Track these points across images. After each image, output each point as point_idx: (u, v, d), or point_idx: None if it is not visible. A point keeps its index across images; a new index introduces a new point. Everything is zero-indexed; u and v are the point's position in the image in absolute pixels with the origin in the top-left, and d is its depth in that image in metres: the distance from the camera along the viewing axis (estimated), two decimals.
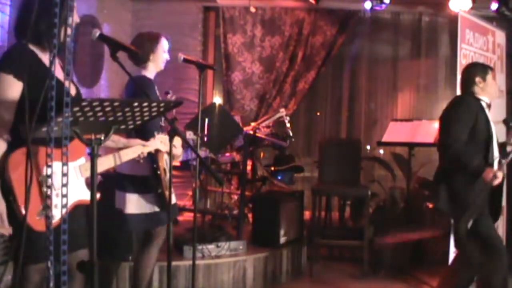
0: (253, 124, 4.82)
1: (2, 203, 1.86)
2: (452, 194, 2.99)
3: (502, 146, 3.13)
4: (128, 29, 5.61)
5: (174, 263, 3.02)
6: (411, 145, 4.59)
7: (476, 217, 2.98)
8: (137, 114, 1.76)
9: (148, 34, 2.94)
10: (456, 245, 3.36)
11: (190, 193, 5.52)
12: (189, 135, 3.14)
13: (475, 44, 4.40)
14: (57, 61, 1.97)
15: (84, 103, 1.57)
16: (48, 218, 1.81)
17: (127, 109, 1.70)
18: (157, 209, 2.79)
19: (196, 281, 3.47)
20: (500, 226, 4.02)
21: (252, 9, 5.74)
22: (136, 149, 2.46)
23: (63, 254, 1.70)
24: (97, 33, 2.15)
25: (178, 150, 2.68)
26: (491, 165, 3.04)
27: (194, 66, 2.92)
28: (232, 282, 3.74)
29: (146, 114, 1.80)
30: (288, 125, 4.87)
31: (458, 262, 3.29)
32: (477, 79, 3.14)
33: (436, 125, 4.56)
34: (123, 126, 1.82)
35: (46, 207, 1.81)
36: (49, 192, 1.81)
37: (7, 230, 1.88)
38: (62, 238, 1.71)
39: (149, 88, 2.78)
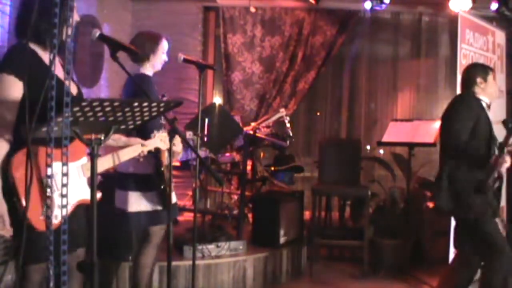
0: (253, 124, 4.82)
1: (4, 204, 1.86)
2: (454, 194, 2.99)
3: (499, 147, 3.14)
4: (128, 29, 5.61)
5: (174, 263, 3.02)
6: (411, 145, 4.59)
7: (479, 216, 2.97)
8: (137, 114, 1.76)
9: (149, 34, 2.94)
10: (456, 245, 3.36)
11: (190, 193, 5.53)
12: (189, 135, 3.14)
13: (475, 44, 4.41)
14: (58, 60, 1.97)
15: (84, 103, 1.57)
16: (48, 218, 1.81)
17: (127, 109, 1.70)
18: (158, 207, 2.79)
19: (196, 281, 3.48)
20: (500, 226, 4.02)
21: (252, 9, 5.75)
22: (136, 148, 2.46)
23: (63, 254, 1.70)
24: (97, 33, 2.15)
25: (178, 147, 2.68)
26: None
27: (194, 66, 2.92)
28: (232, 282, 3.74)
29: (146, 114, 1.80)
30: (288, 125, 4.87)
31: (457, 262, 3.28)
32: (478, 79, 3.14)
33: (436, 125, 4.56)
34: (123, 126, 1.82)
35: (47, 207, 1.81)
36: (49, 192, 1.81)
37: (8, 231, 1.88)
38: (62, 238, 1.71)
39: (148, 85, 2.78)
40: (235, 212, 4.63)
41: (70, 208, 1.99)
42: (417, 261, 4.53)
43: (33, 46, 1.97)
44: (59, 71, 1.90)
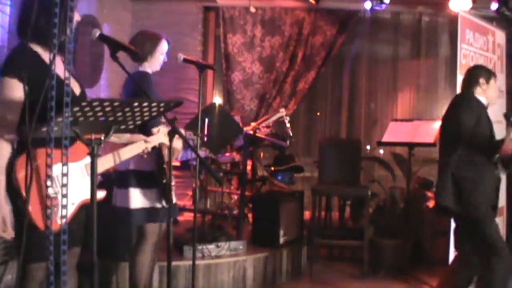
0: (253, 124, 4.82)
1: (6, 207, 1.88)
2: (458, 193, 2.98)
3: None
4: (128, 29, 5.60)
5: (174, 263, 3.02)
6: (411, 145, 4.59)
7: (482, 215, 2.97)
8: (137, 114, 1.77)
9: (149, 34, 2.94)
10: (456, 246, 3.36)
11: (190, 193, 5.53)
12: (189, 135, 3.14)
13: (475, 44, 4.41)
14: (60, 60, 1.98)
15: (84, 103, 1.58)
16: (47, 218, 1.82)
17: (127, 109, 1.70)
18: (157, 205, 2.79)
19: (196, 281, 3.47)
20: (500, 226, 4.02)
21: (252, 9, 5.74)
22: (140, 145, 2.47)
23: (63, 254, 1.70)
24: (97, 33, 2.15)
25: (178, 144, 2.68)
26: (495, 164, 3.04)
27: (194, 66, 2.92)
28: (232, 282, 3.74)
29: (146, 114, 1.80)
30: (288, 125, 4.87)
31: (457, 262, 3.28)
32: (481, 80, 3.15)
33: (436, 125, 4.56)
34: (123, 126, 1.82)
35: (47, 207, 1.81)
36: (48, 192, 1.81)
37: (9, 234, 1.89)
38: (62, 238, 1.71)
39: (147, 83, 2.79)
40: (235, 212, 4.63)
41: (75, 208, 2.00)
42: (417, 261, 4.53)
43: (34, 46, 1.97)
44: (61, 71, 1.90)
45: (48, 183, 1.85)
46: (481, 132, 3.00)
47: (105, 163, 2.23)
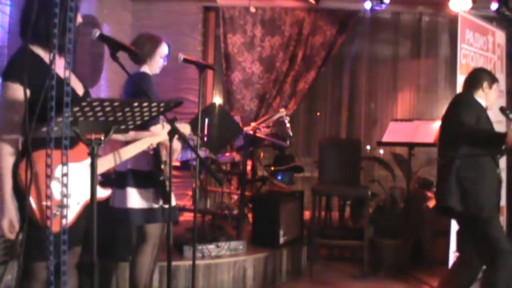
0: (253, 124, 4.82)
1: (13, 209, 1.89)
2: (463, 194, 2.98)
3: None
4: (128, 29, 5.61)
5: (174, 263, 3.02)
6: (411, 145, 4.59)
7: (486, 216, 2.97)
8: (137, 114, 1.77)
9: (149, 36, 2.94)
10: (458, 248, 3.35)
11: (190, 193, 5.53)
12: (189, 135, 3.14)
13: (475, 44, 4.41)
14: (63, 61, 1.99)
15: (84, 103, 1.58)
16: (48, 218, 1.82)
17: (127, 109, 1.70)
18: (154, 205, 2.78)
19: (196, 281, 3.48)
20: None
21: (252, 9, 5.74)
22: (145, 141, 2.48)
23: (63, 254, 1.70)
24: (97, 33, 2.16)
25: (176, 144, 2.69)
26: (497, 163, 3.05)
27: (194, 66, 2.92)
28: (232, 282, 3.74)
29: (146, 114, 1.80)
30: (288, 125, 4.87)
31: (458, 263, 3.27)
32: (485, 84, 3.16)
33: (436, 125, 4.56)
34: (123, 126, 1.82)
35: (47, 207, 1.81)
36: (48, 193, 1.81)
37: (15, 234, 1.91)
38: (62, 238, 1.71)
39: (147, 84, 2.79)
40: (235, 212, 4.63)
41: (80, 207, 2.01)
42: (417, 261, 4.53)
43: (36, 49, 1.98)
44: (63, 72, 1.90)
45: (54, 183, 1.86)
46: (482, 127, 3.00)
47: (106, 163, 2.24)
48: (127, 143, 2.52)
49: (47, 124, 1.68)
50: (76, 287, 2.21)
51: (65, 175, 1.78)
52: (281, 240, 4.13)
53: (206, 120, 3.77)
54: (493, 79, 3.22)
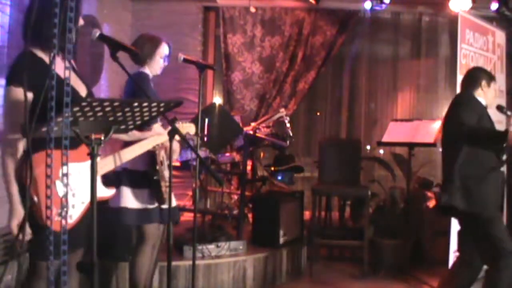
0: (253, 124, 4.82)
1: (21, 210, 1.90)
2: (467, 193, 2.97)
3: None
4: (128, 29, 5.60)
5: (174, 263, 3.02)
6: (411, 145, 4.59)
7: (489, 216, 2.97)
8: (137, 114, 1.77)
9: (149, 37, 2.94)
10: (459, 248, 3.34)
11: (190, 193, 5.53)
12: (189, 135, 3.14)
13: (475, 44, 4.41)
14: (64, 62, 1.99)
15: (84, 103, 1.58)
16: (48, 218, 1.82)
17: (127, 109, 1.70)
18: (150, 206, 2.78)
19: (196, 281, 3.48)
20: None
21: (252, 9, 5.74)
22: (151, 141, 2.49)
23: (63, 254, 1.70)
24: (97, 33, 2.16)
25: (175, 144, 2.69)
26: (502, 162, 3.04)
27: (194, 66, 2.92)
28: (232, 282, 3.74)
29: (146, 114, 1.80)
30: (288, 125, 4.87)
31: (459, 262, 3.27)
32: (483, 82, 3.16)
33: (436, 125, 4.57)
34: (123, 126, 1.82)
35: (48, 207, 1.81)
36: (48, 193, 1.81)
37: (27, 235, 1.92)
38: (62, 238, 1.71)
39: (144, 83, 2.79)
40: (235, 212, 4.63)
41: (84, 207, 2.02)
42: (417, 261, 4.53)
43: (38, 52, 1.99)
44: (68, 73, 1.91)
45: (59, 183, 1.87)
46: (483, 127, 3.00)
47: (108, 163, 2.24)
48: (131, 143, 2.53)
49: (47, 124, 1.69)
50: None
51: (65, 175, 1.78)
52: (281, 240, 4.13)
53: (206, 120, 3.78)
54: (490, 78, 3.22)
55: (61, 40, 1.76)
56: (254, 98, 6.02)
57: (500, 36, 4.78)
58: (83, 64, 4.70)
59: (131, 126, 1.86)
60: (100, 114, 1.64)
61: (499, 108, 3.20)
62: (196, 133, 2.87)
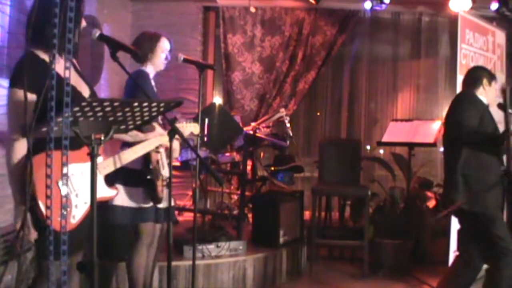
0: (253, 124, 4.82)
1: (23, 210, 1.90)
2: (468, 190, 2.97)
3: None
4: (128, 29, 5.60)
5: (174, 263, 3.01)
6: (411, 145, 4.59)
7: (490, 215, 2.96)
8: (137, 114, 1.77)
9: (148, 34, 2.96)
10: (459, 247, 3.34)
11: (190, 193, 5.53)
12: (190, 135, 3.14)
13: (475, 44, 4.41)
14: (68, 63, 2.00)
15: (84, 103, 1.58)
16: (48, 218, 1.82)
17: (127, 109, 1.70)
18: (144, 205, 2.77)
19: (196, 281, 3.48)
20: None
21: (252, 9, 5.74)
22: (154, 142, 2.49)
23: (63, 254, 1.70)
24: (97, 33, 2.16)
25: (175, 144, 2.68)
26: (502, 162, 3.04)
27: (194, 66, 2.93)
28: (232, 282, 3.74)
29: (146, 114, 1.80)
30: (288, 125, 4.87)
31: (459, 262, 3.27)
32: (485, 81, 3.16)
33: (436, 125, 4.57)
34: (123, 126, 1.82)
35: (48, 207, 1.82)
36: (48, 193, 1.82)
37: (32, 236, 1.94)
38: (62, 238, 1.71)
39: (143, 81, 2.79)
40: (235, 212, 4.63)
41: (87, 207, 2.02)
42: (417, 261, 4.53)
43: (42, 54, 2.00)
44: (72, 74, 1.92)
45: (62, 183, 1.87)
46: (483, 130, 2.99)
47: (107, 167, 2.23)
48: (131, 143, 2.53)
49: (47, 124, 1.69)
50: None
51: (65, 175, 1.78)
52: (281, 240, 4.13)
53: (206, 120, 3.78)
54: (491, 76, 3.22)
55: (62, 40, 1.76)
56: (254, 98, 6.02)
57: (500, 36, 4.79)
58: (83, 64, 4.69)
59: (131, 126, 1.86)
60: (100, 114, 1.64)
61: (500, 105, 3.20)
62: (197, 133, 2.87)
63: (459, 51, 4.21)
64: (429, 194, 4.94)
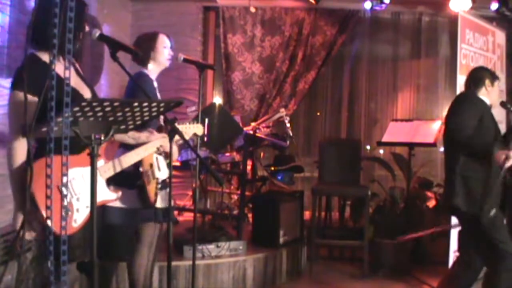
0: (253, 124, 4.82)
1: (21, 216, 1.91)
2: (468, 194, 2.97)
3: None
4: (128, 29, 5.60)
5: (174, 263, 3.01)
6: (411, 145, 4.59)
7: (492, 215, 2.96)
8: (137, 114, 1.77)
9: (145, 34, 2.96)
10: (460, 248, 3.33)
11: (190, 193, 5.53)
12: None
13: (475, 44, 4.41)
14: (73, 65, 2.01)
15: (84, 103, 1.58)
16: (48, 218, 1.82)
17: (127, 109, 1.70)
18: (138, 206, 2.75)
19: (196, 281, 3.48)
20: None
21: (252, 9, 5.74)
22: (155, 144, 2.49)
23: (63, 254, 1.70)
24: (97, 33, 2.16)
25: (173, 147, 2.68)
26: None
27: (194, 66, 2.93)
28: (232, 282, 3.74)
29: (146, 114, 1.80)
30: (288, 125, 4.87)
31: (459, 263, 3.27)
32: (487, 81, 3.15)
33: (436, 125, 4.57)
34: (123, 126, 1.82)
35: (48, 207, 1.81)
36: (48, 193, 1.82)
37: (29, 234, 1.95)
38: (62, 238, 1.71)
39: (144, 83, 2.78)
40: (235, 212, 4.63)
41: (89, 211, 2.01)
42: (417, 261, 4.53)
43: (44, 57, 1.99)
44: (73, 76, 1.93)
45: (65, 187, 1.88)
46: (481, 134, 2.98)
47: (107, 171, 2.22)
48: (130, 146, 2.52)
49: (47, 124, 1.69)
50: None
51: (65, 175, 1.78)
52: (281, 240, 4.13)
53: (206, 120, 3.77)
54: (494, 77, 3.21)
55: (62, 40, 1.76)
56: (254, 98, 6.02)
57: (500, 36, 4.79)
58: (83, 64, 4.70)
59: (131, 126, 1.86)
60: (100, 114, 1.64)
61: (503, 104, 3.20)
62: (201, 134, 2.87)
63: (459, 51, 4.21)
64: (429, 194, 4.94)
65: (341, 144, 5.29)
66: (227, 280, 3.72)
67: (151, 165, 2.66)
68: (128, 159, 2.37)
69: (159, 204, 2.77)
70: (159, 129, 2.74)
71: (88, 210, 2.02)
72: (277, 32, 5.98)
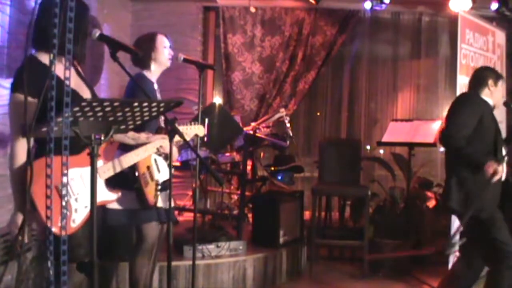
0: (253, 124, 4.82)
1: (20, 216, 1.92)
2: (464, 194, 2.96)
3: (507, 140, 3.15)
4: (128, 29, 5.60)
5: (174, 263, 3.01)
6: (411, 145, 4.59)
7: (488, 217, 2.95)
8: (137, 114, 1.77)
9: (144, 35, 2.96)
10: (460, 249, 3.33)
11: (190, 193, 5.53)
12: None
13: (475, 44, 4.41)
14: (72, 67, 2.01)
15: (84, 103, 1.58)
16: (48, 218, 1.82)
17: (127, 109, 1.70)
18: (137, 207, 2.75)
19: (196, 281, 3.48)
20: None
21: (252, 9, 5.74)
22: (155, 144, 2.48)
23: (63, 254, 1.70)
24: (97, 33, 2.16)
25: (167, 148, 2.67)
26: (499, 162, 3.03)
27: (194, 66, 2.93)
28: (232, 282, 3.74)
29: (146, 114, 1.80)
30: (288, 125, 4.86)
31: (460, 264, 3.26)
32: (490, 81, 3.13)
33: (436, 125, 4.57)
34: (123, 126, 1.82)
35: (48, 207, 1.82)
36: (48, 193, 1.82)
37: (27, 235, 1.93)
38: (62, 238, 1.71)
39: (146, 84, 2.78)
40: (235, 212, 4.63)
41: (88, 212, 2.02)
42: (417, 261, 4.53)
43: (43, 58, 2.00)
44: (73, 77, 1.93)
45: (66, 186, 1.88)
46: (477, 148, 2.98)
47: (107, 171, 2.22)
48: (128, 146, 2.52)
49: (47, 124, 1.69)
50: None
51: (65, 175, 1.78)
52: (281, 240, 4.13)
53: (206, 120, 3.77)
54: (497, 76, 3.18)
55: (62, 40, 1.76)
56: (254, 98, 6.02)
57: (500, 36, 4.79)
58: (83, 65, 4.69)
59: (131, 126, 1.86)
60: (100, 114, 1.64)
61: (506, 104, 3.19)
62: (202, 135, 2.87)
63: (459, 51, 4.21)
64: (429, 194, 4.94)
65: (341, 144, 5.29)
66: (227, 280, 3.72)
67: (149, 168, 2.65)
68: (128, 160, 2.37)
69: (161, 204, 2.77)
70: (159, 131, 2.74)
71: (87, 210, 2.02)
72: (277, 32, 5.98)
